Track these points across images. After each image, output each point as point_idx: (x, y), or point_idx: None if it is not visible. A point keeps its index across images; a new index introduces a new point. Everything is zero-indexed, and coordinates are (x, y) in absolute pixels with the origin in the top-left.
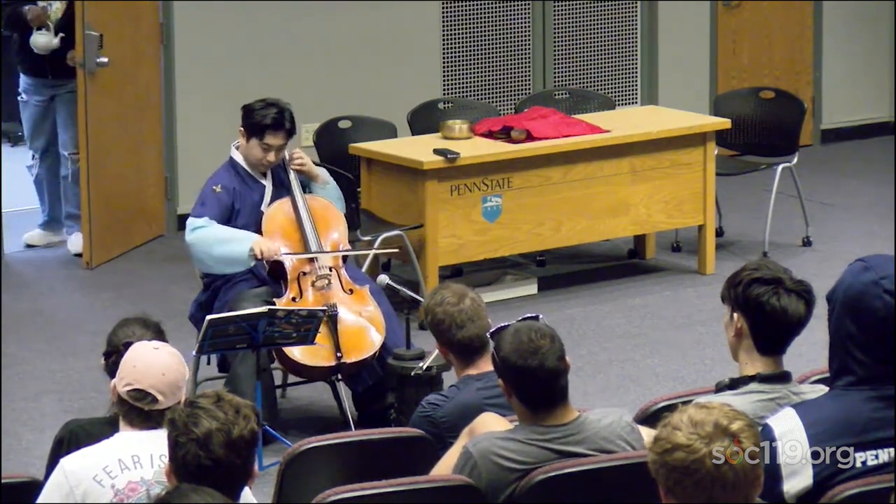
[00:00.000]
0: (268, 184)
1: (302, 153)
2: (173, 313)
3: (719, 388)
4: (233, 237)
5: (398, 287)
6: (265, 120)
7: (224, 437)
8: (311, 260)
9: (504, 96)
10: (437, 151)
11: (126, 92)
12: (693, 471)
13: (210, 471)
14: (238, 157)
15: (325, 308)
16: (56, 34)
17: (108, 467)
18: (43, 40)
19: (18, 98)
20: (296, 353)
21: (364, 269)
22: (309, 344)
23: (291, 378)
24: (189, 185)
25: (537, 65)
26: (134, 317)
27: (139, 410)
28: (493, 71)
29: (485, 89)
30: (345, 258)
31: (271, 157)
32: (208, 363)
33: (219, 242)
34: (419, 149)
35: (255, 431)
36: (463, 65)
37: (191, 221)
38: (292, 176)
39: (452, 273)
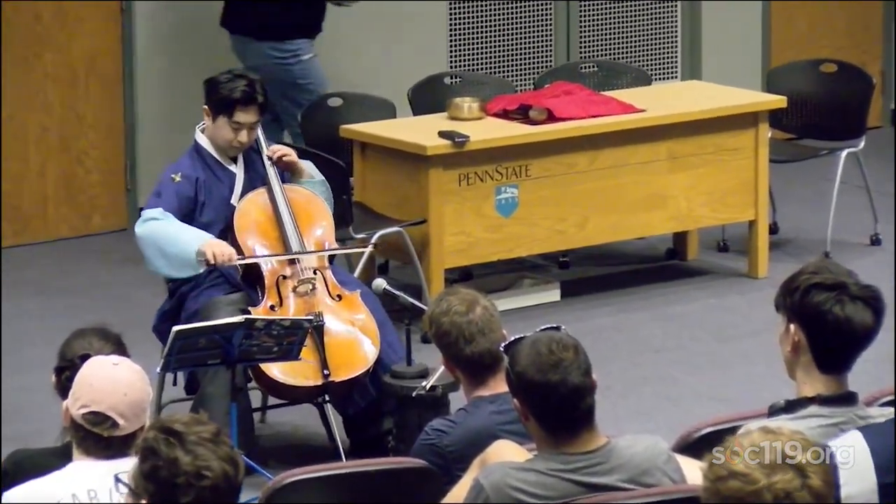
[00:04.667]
0: (239, 171)
1: (280, 146)
2: (136, 323)
3: (773, 412)
4: (186, 236)
5: (397, 293)
6: (234, 94)
7: (208, 483)
8: (293, 262)
9: (521, 70)
10: (442, 134)
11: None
12: None
13: None
14: (203, 142)
15: (310, 318)
16: None
17: None
18: None
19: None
20: (276, 370)
21: (357, 273)
22: (293, 359)
23: (272, 400)
24: (151, 174)
25: (560, 33)
26: (91, 327)
27: (97, 437)
28: (508, 40)
29: (499, 62)
30: (331, 259)
31: (243, 137)
32: (174, 383)
33: (170, 240)
34: (422, 131)
35: (240, 484)
36: (473, 34)
37: (144, 213)
38: (268, 164)
39: (461, 276)
